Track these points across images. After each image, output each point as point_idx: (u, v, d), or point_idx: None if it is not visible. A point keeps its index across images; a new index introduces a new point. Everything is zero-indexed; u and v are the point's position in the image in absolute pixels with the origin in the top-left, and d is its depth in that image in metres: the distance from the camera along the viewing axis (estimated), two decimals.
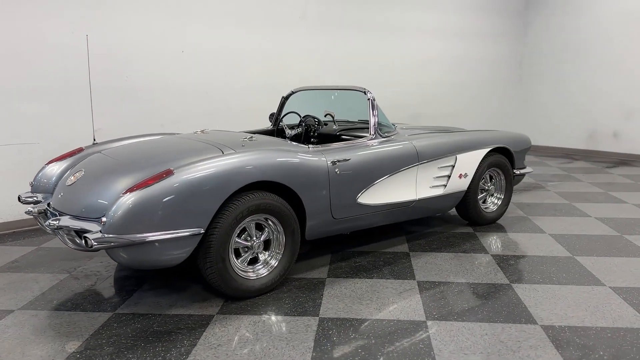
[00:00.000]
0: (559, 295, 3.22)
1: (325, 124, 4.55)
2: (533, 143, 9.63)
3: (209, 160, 3.03)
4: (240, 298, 3.16)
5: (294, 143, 3.60)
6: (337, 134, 4.32)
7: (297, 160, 3.33)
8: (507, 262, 3.81)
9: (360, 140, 3.91)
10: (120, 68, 5.10)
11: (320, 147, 3.62)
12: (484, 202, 4.81)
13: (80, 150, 3.88)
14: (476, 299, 3.18)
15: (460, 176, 4.36)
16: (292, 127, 4.55)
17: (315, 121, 4.44)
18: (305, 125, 4.53)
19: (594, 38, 8.76)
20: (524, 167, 5.08)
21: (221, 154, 3.20)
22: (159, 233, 2.79)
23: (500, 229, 4.66)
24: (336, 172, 3.51)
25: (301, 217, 3.42)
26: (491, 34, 9.02)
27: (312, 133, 4.51)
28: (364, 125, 4.36)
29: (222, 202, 2.95)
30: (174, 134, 4.27)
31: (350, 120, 4.76)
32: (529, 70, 9.70)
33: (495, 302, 3.13)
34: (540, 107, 9.63)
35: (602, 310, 3.02)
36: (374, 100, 4.03)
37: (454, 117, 8.65)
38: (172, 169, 2.90)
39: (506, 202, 4.88)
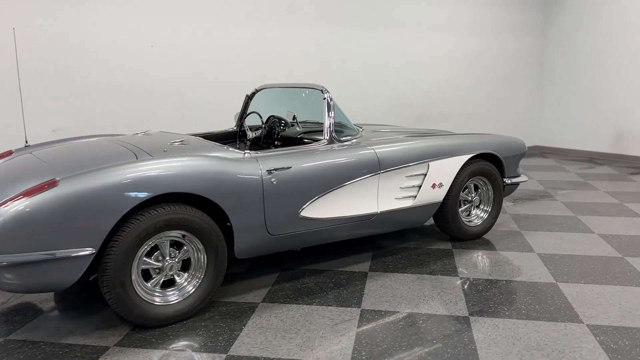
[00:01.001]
0: (520, 335, 2.70)
1: (292, 125, 4.11)
2: (554, 145, 8.94)
3: (107, 168, 2.65)
4: (149, 326, 2.78)
5: (231, 149, 3.20)
6: (299, 137, 3.88)
7: (221, 168, 2.92)
8: (476, 288, 3.30)
9: (311, 145, 3.46)
10: (79, 64, 4.80)
11: (259, 153, 3.20)
12: (468, 214, 4.28)
13: (9, 153, 3.57)
14: (418, 338, 2.69)
15: (433, 186, 3.85)
16: (257, 129, 4.15)
17: (280, 122, 4.01)
18: (268, 126, 4.12)
19: (622, 32, 8.00)
20: (518, 176, 4.52)
21: (134, 160, 2.82)
22: (39, 253, 2.43)
23: (484, 245, 4.13)
24: (272, 182, 3.08)
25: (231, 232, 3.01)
26: (509, 29, 8.37)
27: (275, 135, 4.09)
28: (339, 127, 3.90)
29: (118, 218, 2.56)
30: (117, 135, 3.93)
31: (320, 121, 4.30)
32: (551, 67, 8.98)
33: (441, 342, 2.64)
34: (563, 107, 8.91)
35: (567, 356, 2.49)
36: (332, 100, 3.58)
37: (467, 118, 8.06)
38: (56, 179, 2.53)
39: (494, 215, 4.34)
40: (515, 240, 4.24)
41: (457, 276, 3.51)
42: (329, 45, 6.44)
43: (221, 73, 5.68)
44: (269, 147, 4.00)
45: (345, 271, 3.60)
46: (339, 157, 3.42)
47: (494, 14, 8.16)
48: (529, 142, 9.16)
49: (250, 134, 4.17)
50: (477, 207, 4.34)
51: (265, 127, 4.12)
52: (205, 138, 4.37)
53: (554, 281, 3.41)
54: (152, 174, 2.67)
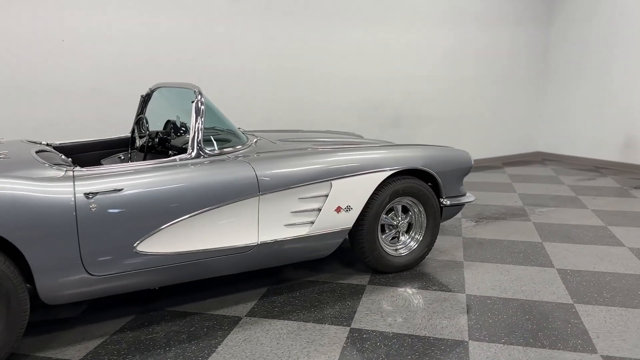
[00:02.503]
0: None
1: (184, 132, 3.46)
2: (557, 152, 8.03)
3: None
4: None
5: (49, 166, 2.56)
6: (184, 146, 3.22)
7: (12, 192, 2.29)
8: (362, 346, 2.58)
9: (165, 160, 2.81)
10: None
11: (85, 171, 2.56)
12: (397, 242, 3.56)
13: None
14: None
15: (338, 209, 3.14)
16: (149, 135, 3.52)
17: (179, 128, 3.36)
18: (163, 133, 3.48)
19: (635, 27, 7.03)
20: (462, 195, 3.75)
21: None
22: None
23: (409, 280, 3.41)
24: (91, 209, 2.44)
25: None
26: (505, 19, 7.49)
27: (167, 143, 3.44)
28: (224, 136, 3.24)
29: None
30: None
31: (217, 127, 3.64)
32: (555, 65, 8.05)
33: None
34: (567, 109, 7.98)
35: None
36: (202, 105, 2.91)
37: (453, 121, 7.25)
38: None
39: (427, 243, 3.60)
40: (449, 275, 3.48)
41: (348, 326, 2.79)
42: (282, 40, 5.76)
43: (147, 71, 5.07)
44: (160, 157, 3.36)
45: (215, 315, 2.93)
46: (201, 175, 2.76)
47: (492, 4, 7.30)
48: (528, 148, 8.27)
49: (138, 142, 3.55)
50: (407, 233, 3.60)
51: (158, 134, 3.47)
52: (95, 145, 3.78)
53: (467, 339, 2.65)
54: None
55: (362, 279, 3.43)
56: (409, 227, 3.60)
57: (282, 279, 3.43)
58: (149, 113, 3.80)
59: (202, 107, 2.92)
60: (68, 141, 3.68)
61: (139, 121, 3.67)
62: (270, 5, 5.58)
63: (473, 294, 3.20)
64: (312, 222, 3.09)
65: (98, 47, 4.76)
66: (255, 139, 3.44)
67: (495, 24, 7.40)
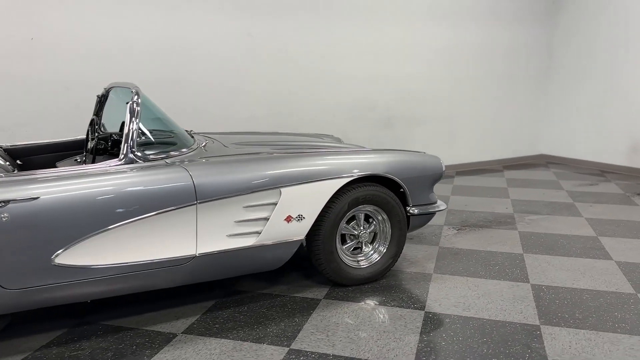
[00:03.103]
0: None
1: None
2: (563, 155, 7.69)
3: None
4: None
5: None
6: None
7: None
8: None
9: (92, 165, 2.64)
10: None
11: (3, 177, 2.40)
12: (359, 253, 3.34)
13: None
14: None
15: (288, 219, 2.94)
16: (100, 138, 3.36)
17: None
18: (117, 135, 3.32)
19: None
20: (432, 203, 3.51)
21: None
22: None
23: (369, 294, 3.20)
24: (1, 219, 2.27)
25: None
26: (508, 17, 7.19)
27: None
28: (167, 139, 3.06)
29: None
30: None
31: (161, 130, 3.45)
32: (559, 62, 7.71)
33: None
34: (572, 109, 7.63)
35: None
36: (137, 106, 2.73)
37: (449, 121, 6.98)
38: None
39: (392, 254, 3.38)
40: (413, 290, 3.25)
41: (287, 347, 2.59)
42: (266, 37, 5.56)
43: (120, 70, 4.92)
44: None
45: (149, 331, 2.75)
46: (128, 182, 2.58)
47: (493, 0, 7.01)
48: (532, 151, 7.94)
49: (90, 144, 3.39)
50: (371, 243, 3.38)
51: (112, 136, 3.30)
52: (51, 147, 3.65)
53: None
54: None
55: (319, 292, 3.22)
56: (375, 237, 3.38)
57: (234, 291, 3.24)
58: (108, 114, 3.64)
59: (138, 108, 2.75)
60: (22, 143, 3.55)
61: (91, 122, 3.51)
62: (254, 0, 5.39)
63: (433, 311, 2.97)
64: (259, 233, 2.89)
65: (74, 46, 4.63)
66: (204, 143, 3.26)
67: (495, 21, 7.10)
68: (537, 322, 2.82)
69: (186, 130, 3.56)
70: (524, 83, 7.60)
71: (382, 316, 2.90)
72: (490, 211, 5.09)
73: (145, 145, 2.80)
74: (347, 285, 3.30)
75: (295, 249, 3.04)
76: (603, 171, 7.13)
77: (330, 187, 3.06)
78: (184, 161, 2.82)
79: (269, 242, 2.93)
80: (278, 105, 5.74)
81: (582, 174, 6.92)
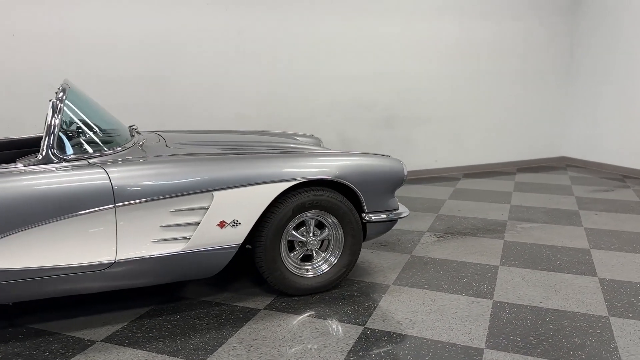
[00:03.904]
0: None
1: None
2: (585, 158, 7.22)
3: None
4: None
5: None
6: (77, 146, 2.96)
7: None
8: None
9: (6, 165, 2.55)
10: None
11: None
12: (309, 261, 3.15)
13: None
14: None
15: (222, 224, 2.78)
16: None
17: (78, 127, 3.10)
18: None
19: None
20: (392, 210, 3.28)
21: None
22: None
23: (313, 306, 3.01)
24: None
25: None
26: (526, 10, 6.78)
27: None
28: (98, 138, 2.96)
29: None
30: None
31: (93, 127, 3.32)
32: (581, 59, 7.23)
33: None
34: (595, 109, 7.15)
35: None
36: (60, 102, 2.63)
37: (456, 122, 6.66)
38: None
39: (345, 263, 3.17)
40: (364, 302, 3.03)
41: None
42: (257, 31, 5.41)
43: (110, 66, 4.87)
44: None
45: (69, 337, 2.67)
46: (40, 183, 2.48)
47: None
48: (552, 152, 7.49)
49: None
50: (324, 251, 3.18)
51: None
52: (12, 143, 3.61)
53: None
54: None
55: (261, 302, 3.04)
56: (327, 246, 3.18)
57: (175, 298, 3.11)
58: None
59: (60, 105, 2.64)
60: None
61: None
62: None
63: (373, 327, 2.74)
64: (189, 238, 2.74)
65: (57, 38, 4.61)
66: (142, 142, 3.12)
67: (509, 16, 6.71)
68: (482, 346, 2.56)
69: (131, 127, 3.45)
70: (542, 81, 7.17)
71: (316, 331, 2.70)
72: (482, 217, 4.78)
73: (70, 143, 2.69)
74: (294, 295, 3.11)
75: (232, 256, 2.87)
76: (625, 176, 6.64)
77: (271, 191, 2.88)
78: (108, 161, 2.69)
79: (201, 249, 2.78)
80: (270, 104, 5.59)
81: (601, 179, 6.46)
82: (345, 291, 3.19)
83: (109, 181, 2.57)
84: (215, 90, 5.32)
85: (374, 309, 2.96)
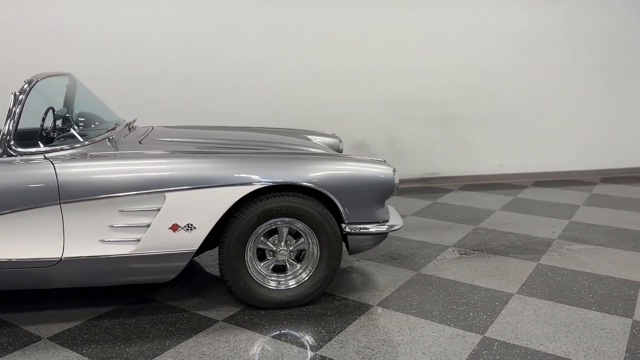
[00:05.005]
0: None
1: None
2: None
3: None
4: None
5: None
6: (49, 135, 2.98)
7: None
8: None
9: None
10: None
11: None
12: (282, 272, 2.91)
13: None
14: None
15: (175, 228, 2.63)
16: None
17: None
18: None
19: None
20: (381, 222, 2.92)
21: None
22: None
23: (277, 323, 2.75)
24: None
25: None
26: None
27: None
28: (74, 131, 2.94)
29: None
30: None
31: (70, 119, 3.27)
32: None
33: None
34: None
35: None
36: (22, 94, 2.62)
37: (541, 120, 5.98)
38: None
39: (321, 278, 2.89)
40: (332, 324, 2.73)
41: None
42: (297, 27, 5.20)
43: (128, 64, 4.94)
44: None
45: (22, 331, 2.66)
46: None
47: None
48: (628, 162, 6.43)
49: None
50: (300, 262, 2.91)
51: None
52: None
53: None
54: None
55: (224, 313, 2.85)
56: (301, 257, 2.91)
57: (142, 299, 3.01)
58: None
59: (22, 96, 2.61)
60: None
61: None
62: None
63: (324, 354, 2.43)
64: (139, 240, 2.60)
65: (91, 35, 4.75)
66: (110, 136, 2.98)
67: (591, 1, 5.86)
68: None
69: (130, 122, 3.39)
70: (632, 77, 6.19)
71: (261, 353, 2.45)
72: (527, 234, 4.19)
73: (33, 137, 2.67)
74: (261, 308, 2.87)
75: (187, 261, 2.70)
76: None
77: (230, 195, 2.66)
78: (62, 157, 2.62)
79: (152, 252, 2.63)
80: (308, 101, 5.36)
81: None
82: (319, 308, 2.89)
83: (55, 178, 2.50)
84: (250, 87, 5.19)
85: (339, 332, 2.63)
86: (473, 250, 3.81)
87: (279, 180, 2.69)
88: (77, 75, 3.43)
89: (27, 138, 2.79)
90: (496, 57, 5.72)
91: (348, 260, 3.60)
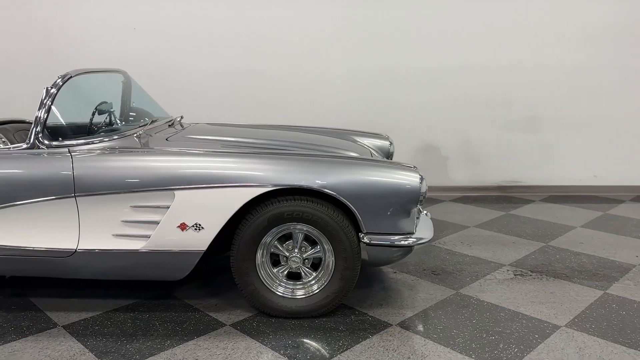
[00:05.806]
0: None
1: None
2: None
3: None
4: None
5: None
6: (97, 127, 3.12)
7: None
8: None
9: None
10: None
11: None
12: (297, 279, 2.79)
13: None
14: None
15: (183, 226, 2.60)
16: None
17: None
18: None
19: None
20: (405, 233, 2.67)
21: None
22: None
23: (280, 335, 2.63)
24: None
25: None
26: None
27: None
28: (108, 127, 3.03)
29: None
30: None
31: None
32: None
33: None
34: None
35: None
36: (54, 88, 2.72)
37: (614, 126, 5.30)
38: None
39: (335, 290, 2.71)
40: (339, 341, 2.54)
41: None
42: (364, 24, 5.01)
43: (210, 58, 5.03)
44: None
45: (41, 316, 2.77)
46: (14, 166, 2.62)
47: None
48: None
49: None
50: (315, 270, 2.76)
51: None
52: None
53: None
54: None
55: (235, 317, 2.77)
56: (319, 267, 2.75)
57: (164, 295, 3.02)
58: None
59: (54, 90, 2.71)
60: None
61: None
62: None
63: None
64: (149, 237, 2.60)
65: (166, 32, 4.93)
66: (138, 133, 2.98)
67: None
68: None
69: (172, 118, 3.42)
70: None
71: None
72: (603, 256, 3.67)
73: (61, 131, 2.77)
74: (272, 316, 2.76)
75: (195, 262, 2.65)
76: None
77: (238, 196, 2.57)
78: (86, 151, 2.68)
79: (161, 249, 2.62)
80: (376, 101, 5.15)
81: None
82: (332, 321, 2.71)
83: (72, 171, 2.56)
84: (317, 83, 5.08)
85: (343, 351, 2.44)
86: (531, 272, 3.39)
87: (289, 183, 2.54)
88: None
89: (75, 132, 2.91)
90: (587, 53, 5.09)
91: (383, 271, 3.36)
